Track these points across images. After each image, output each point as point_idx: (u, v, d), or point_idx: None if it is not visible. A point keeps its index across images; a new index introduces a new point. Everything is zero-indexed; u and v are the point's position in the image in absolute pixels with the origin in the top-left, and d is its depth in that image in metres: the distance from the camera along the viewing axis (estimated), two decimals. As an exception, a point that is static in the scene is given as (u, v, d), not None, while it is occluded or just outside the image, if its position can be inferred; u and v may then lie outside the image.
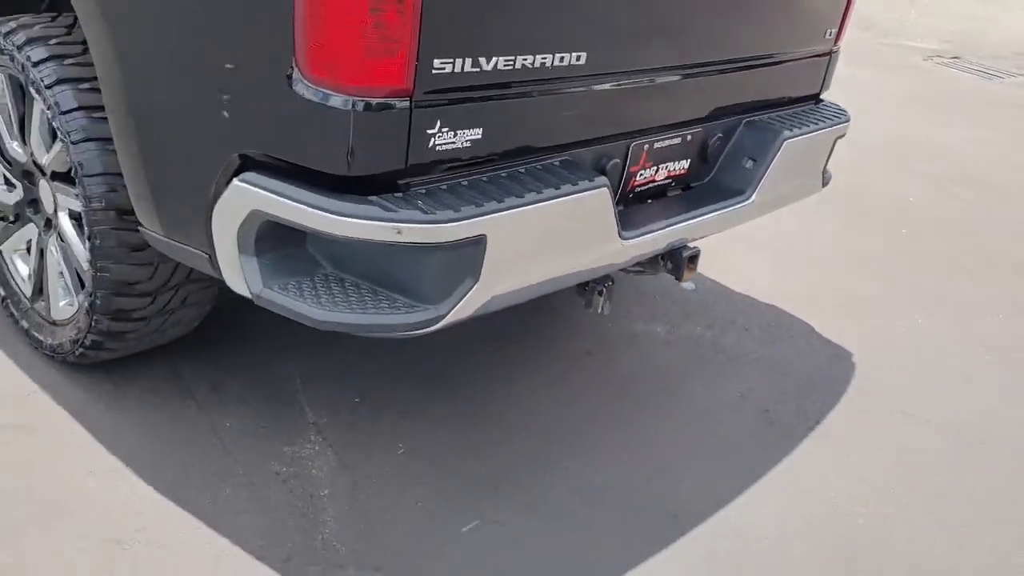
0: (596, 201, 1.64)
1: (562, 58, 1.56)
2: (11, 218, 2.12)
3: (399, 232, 1.38)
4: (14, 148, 1.98)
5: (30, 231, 2.07)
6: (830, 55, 2.35)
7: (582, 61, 1.59)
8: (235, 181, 1.44)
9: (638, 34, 1.70)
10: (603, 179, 1.65)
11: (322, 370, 2.17)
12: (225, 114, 1.44)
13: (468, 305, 1.51)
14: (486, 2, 1.41)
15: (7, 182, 2.08)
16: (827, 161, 2.39)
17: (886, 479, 2.09)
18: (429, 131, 1.42)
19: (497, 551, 1.72)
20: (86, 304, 1.86)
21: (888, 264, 3.28)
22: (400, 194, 1.42)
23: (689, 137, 1.99)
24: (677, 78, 1.84)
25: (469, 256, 1.46)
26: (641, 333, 2.59)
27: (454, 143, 1.46)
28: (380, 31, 1.30)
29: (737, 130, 2.10)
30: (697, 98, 1.95)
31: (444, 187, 1.47)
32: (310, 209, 1.38)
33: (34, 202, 2.03)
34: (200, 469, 1.81)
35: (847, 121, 2.36)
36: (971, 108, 5.88)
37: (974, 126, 5.38)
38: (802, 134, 2.15)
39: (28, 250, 2.11)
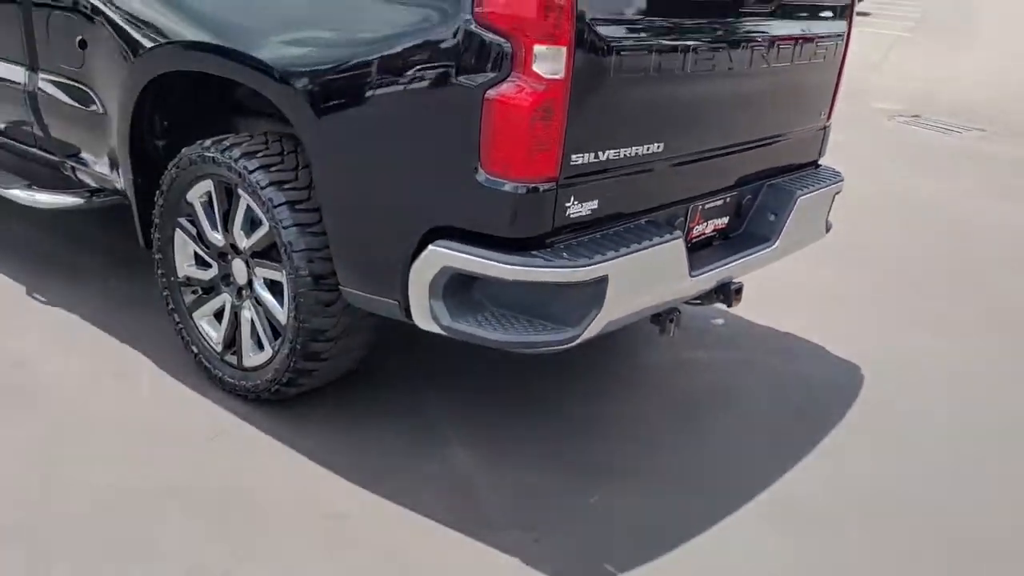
0: (675, 249, 2.26)
1: (647, 148, 2.20)
2: (201, 291, 2.70)
3: (551, 275, 1.99)
4: (214, 236, 2.57)
5: (220, 300, 2.65)
6: (824, 129, 3.02)
7: (660, 149, 2.24)
8: (430, 246, 2.05)
9: (696, 128, 2.36)
10: (678, 232, 2.28)
11: (429, 383, 2.75)
12: (423, 199, 2.06)
13: (595, 327, 2.11)
14: (601, 119, 2.05)
15: (202, 263, 2.66)
16: (828, 213, 3.04)
17: (887, 453, 2.68)
18: (566, 204, 2.04)
19: (616, 514, 2.28)
20: (285, 350, 2.43)
21: (879, 294, 3.92)
22: (548, 249, 2.03)
23: (728, 199, 2.63)
24: (721, 156, 2.50)
25: (596, 291, 2.07)
26: (688, 359, 3.19)
27: (581, 211, 2.08)
28: (538, 141, 1.93)
29: (761, 191, 2.75)
30: (734, 169, 2.60)
31: (576, 242, 2.08)
32: (488, 262, 1.99)
33: (226, 277, 2.62)
34: (368, 467, 2.36)
35: (842, 180, 3.02)
36: (933, 161, 6.64)
37: (938, 176, 6.12)
38: (810, 192, 2.80)
39: (215, 316, 2.68)
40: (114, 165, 2.88)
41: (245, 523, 2.15)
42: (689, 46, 2.21)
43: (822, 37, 2.77)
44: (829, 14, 2.81)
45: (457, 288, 2.08)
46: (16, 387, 2.62)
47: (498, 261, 1.99)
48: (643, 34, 2.10)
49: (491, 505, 2.29)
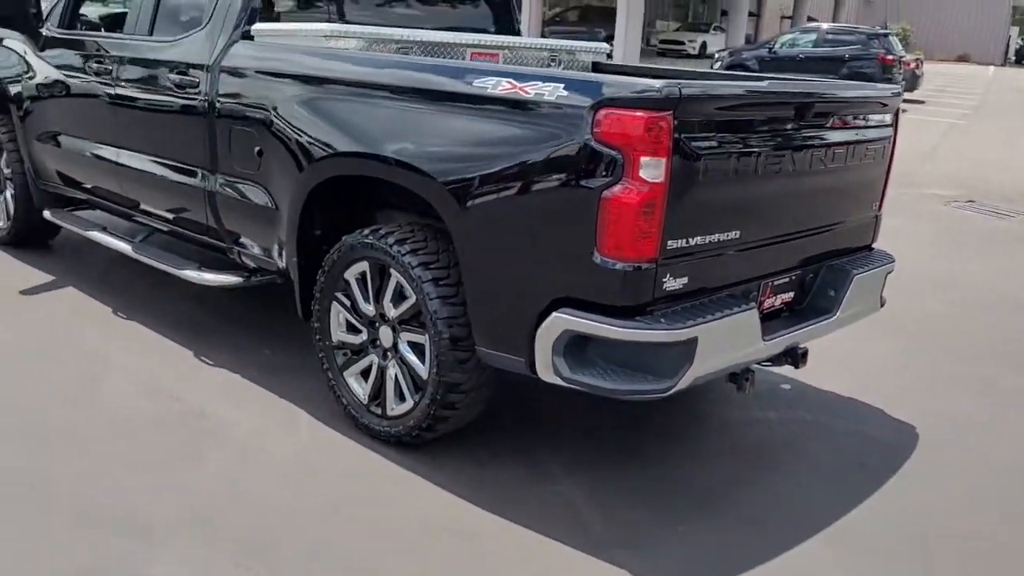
0: (750, 317, 2.75)
1: (727, 235, 2.72)
2: (351, 353, 3.26)
3: (652, 336, 2.50)
4: (366, 307, 3.15)
5: (368, 360, 3.20)
6: (876, 217, 3.51)
7: (737, 236, 2.76)
8: (554, 313, 2.58)
9: (766, 219, 2.88)
10: (753, 304, 2.77)
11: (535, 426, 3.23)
12: (548, 275, 2.60)
13: (686, 380, 2.59)
14: (691, 212, 2.58)
15: (353, 329, 3.23)
16: (882, 290, 3.50)
17: (944, 496, 3.06)
18: (663, 280, 2.56)
19: (702, 540, 2.72)
20: (426, 401, 2.96)
21: (932, 363, 4.30)
22: (649, 315, 2.55)
23: (793, 277, 3.12)
24: (787, 241, 3.00)
25: (687, 350, 2.57)
26: (759, 417, 3.63)
27: (674, 285, 2.60)
28: (643, 230, 2.47)
29: (822, 271, 3.23)
30: (798, 252, 3.10)
31: (671, 310, 2.59)
32: (602, 325, 2.51)
33: (374, 341, 3.18)
34: (495, 488, 2.84)
35: (893, 261, 3.49)
36: (987, 244, 7.01)
37: (991, 258, 6.49)
38: (866, 272, 3.27)
39: (362, 373, 3.24)
40: (277, 250, 3.51)
41: (395, 538, 2.65)
42: (760, 153, 2.75)
43: (871, 141, 3.29)
44: (877, 122, 3.34)
45: (575, 347, 2.60)
46: (204, 431, 3.20)
47: (610, 324, 2.51)
48: (724, 145, 2.64)
49: (597, 528, 2.75)
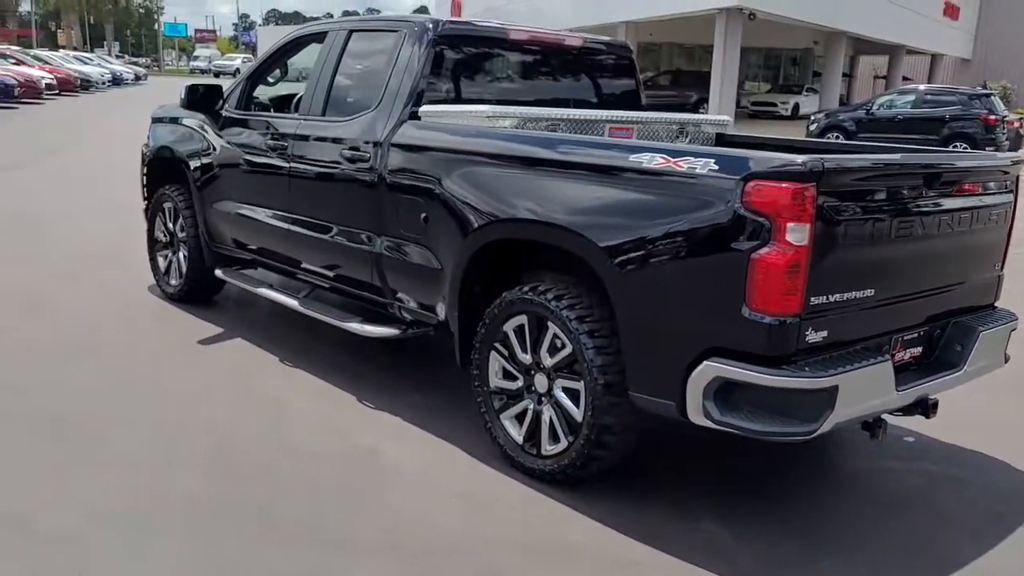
0: (885, 369, 3.00)
1: (862, 292, 2.99)
2: (507, 398, 3.62)
3: (798, 383, 2.77)
4: (523, 356, 3.51)
5: (523, 404, 3.55)
6: (998, 278, 3.71)
7: (872, 293, 3.02)
8: (706, 361, 2.88)
9: (897, 278, 3.14)
10: (888, 357, 3.02)
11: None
12: (700, 327, 2.91)
13: (827, 424, 2.85)
14: (831, 272, 2.87)
15: (510, 376, 3.59)
16: (1006, 346, 3.67)
17: (1086, 549, 3.17)
18: (806, 333, 2.84)
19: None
20: (580, 442, 3.28)
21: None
22: (794, 365, 2.82)
23: (922, 332, 3.35)
24: (916, 299, 3.24)
25: (829, 397, 2.83)
26: (886, 467, 3.81)
27: (815, 338, 2.87)
28: (788, 288, 2.76)
29: (949, 327, 3.44)
30: (926, 309, 3.33)
31: (813, 360, 2.86)
32: (752, 373, 2.80)
33: (529, 386, 3.53)
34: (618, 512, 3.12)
35: (1016, 320, 3.67)
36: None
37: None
38: (990, 329, 3.47)
39: (517, 416, 3.58)
40: (438, 305, 3.92)
41: (562, 564, 2.95)
42: (893, 218, 3.02)
43: (993, 206, 3.51)
44: (998, 188, 3.56)
45: (724, 392, 2.89)
46: (378, 465, 3.60)
47: (758, 372, 2.80)
48: (860, 211, 2.93)
49: (746, 563, 2.99)
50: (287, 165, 4.65)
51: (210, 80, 6.29)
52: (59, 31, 73.72)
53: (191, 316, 5.49)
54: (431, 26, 4.15)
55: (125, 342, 4.98)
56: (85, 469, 3.45)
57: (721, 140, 4.69)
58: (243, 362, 4.76)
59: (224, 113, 5.24)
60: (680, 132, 4.52)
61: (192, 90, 5.17)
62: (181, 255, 5.72)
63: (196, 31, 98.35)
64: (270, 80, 5.36)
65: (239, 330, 5.24)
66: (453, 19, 4.22)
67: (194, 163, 5.43)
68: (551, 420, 3.44)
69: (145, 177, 6.04)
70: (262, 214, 4.93)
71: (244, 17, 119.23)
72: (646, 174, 3.05)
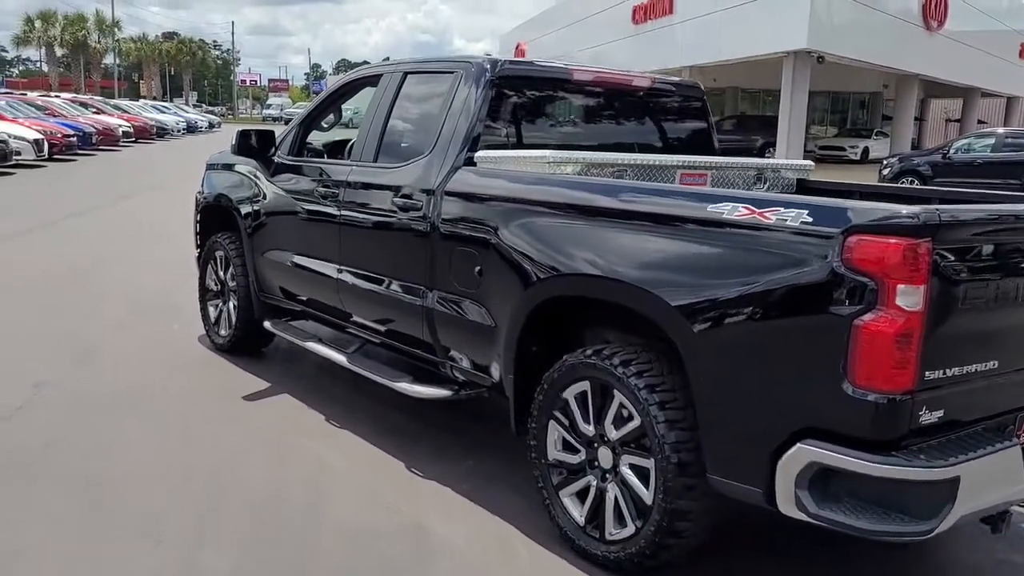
0: (1014, 455, 2.55)
1: (985, 365, 2.56)
2: (568, 473, 3.25)
3: (912, 474, 2.34)
4: (585, 427, 3.15)
5: (585, 481, 3.18)
6: None
7: (996, 366, 2.59)
8: (799, 444, 2.48)
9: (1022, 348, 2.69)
10: (1016, 440, 2.57)
11: None
12: (791, 403, 2.52)
13: (948, 522, 2.41)
14: (949, 341, 2.46)
15: (570, 448, 3.23)
16: None
17: None
18: (919, 413, 2.42)
19: None
20: (650, 528, 2.89)
21: None
22: (904, 450, 2.40)
23: (1051, 409, 2.87)
24: (1046, 372, 2.79)
25: (949, 490, 2.39)
26: (1006, 560, 3.30)
27: (930, 419, 2.45)
28: (898, 361, 2.36)
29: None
30: (1056, 383, 2.86)
31: (927, 445, 2.44)
32: (854, 460, 2.38)
33: (592, 461, 3.16)
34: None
35: None
36: None
37: None
38: None
39: (578, 494, 3.21)
40: (493, 365, 3.60)
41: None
42: (1018, 277, 2.60)
43: None
44: None
45: (820, 480, 2.48)
46: (425, 545, 3.25)
47: (863, 459, 2.38)
48: (982, 270, 2.52)
49: None
50: (338, 213, 4.42)
51: (270, 126, 6.16)
52: (141, 82, 76.97)
53: (238, 369, 5.27)
54: (489, 66, 3.89)
55: (169, 396, 4.77)
56: (111, 541, 3.18)
57: (802, 187, 4.30)
58: (288, 420, 4.49)
59: (276, 159, 5.06)
60: (758, 178, 4.15)
61: (244, 136, 5.01)
62: (231, 305, 5.53)
63: (270, 81, 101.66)
64: (324, 125, 5.17)
65: (286, 384, 4.99)
66: (513, 59, 3.96)
67: (245, 210, 5.26)
68: (616, 500, 3.06)
69: (198, 224, 5.91)
70: (311, 264, 4.70)
71: (316, 67, 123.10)
72: (727, 226, 2.69)
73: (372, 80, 4.57)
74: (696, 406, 2.78)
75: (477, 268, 3.57)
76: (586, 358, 3.11)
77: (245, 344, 5.51)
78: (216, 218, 5.67)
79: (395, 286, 4.08)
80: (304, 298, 4.92)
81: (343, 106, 5.09)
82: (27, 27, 59.80)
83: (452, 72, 4.02)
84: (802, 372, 2.52)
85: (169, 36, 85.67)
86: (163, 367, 5.26)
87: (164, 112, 40.34)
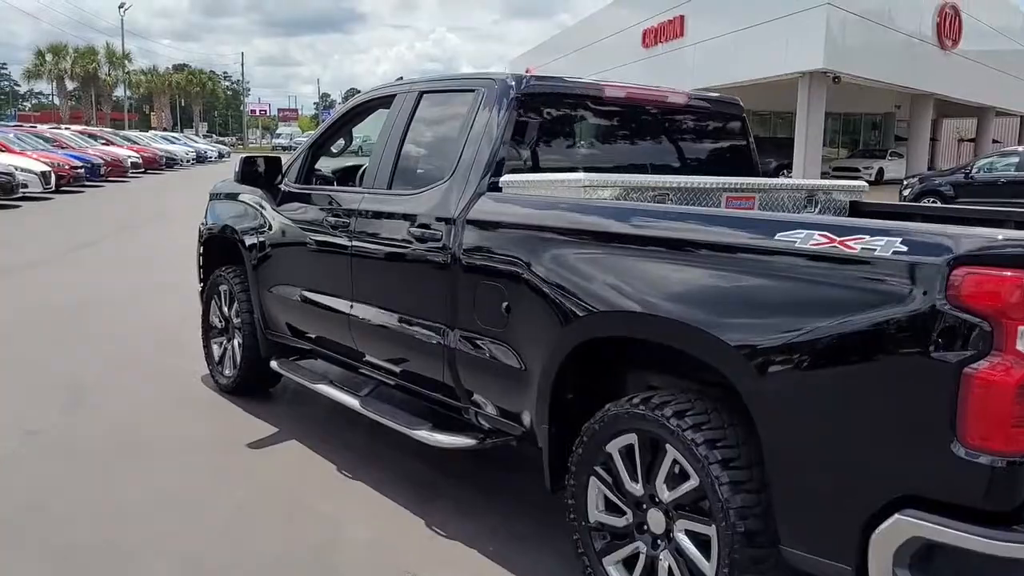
0: None
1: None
2: (612, 537, 2.86)
3: (1039, 552, 1.95)
4: (632, 486, 2.77)
5: (633, 547, 2.79)
6: None
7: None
8: (897, 514, 2.09)
9: None
10: None
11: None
12: (887, 466, 2.13)
13: (1078, 608, 2.01)
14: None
15: (615, 509, 2.84)
16: None
17: None
18: (1043, 477, 2.03)
19: None
20: (713, 604, 2.49)
21: None
22: (1026, 523, 2.01)
23: None
24: None
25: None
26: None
27: (1056, 485, 2.06)
28: (1020, 416, 1.97)
29: None
30: None
31: (1053, 518, 2.04)
32: (967, 535, 1.99)
33: (641, 525, 2.77)
34: None
35: None
36: None
37: None
38: None
39: (625, 562, 2.82)
40: (523, 413, 3.22)
41: None
42: None
43: None
44: None
45: (925, 558, 2.09)
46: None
47: (978, 535, 1.99)
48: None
49: None
50: (349, 244, 4.07)
51: (272, 153, 5.85)
52: (152, 114, 77.52)
53: (243, 412, 4.91)
54: (514, 83, 3.55)
55: (167, 446, 4.40)
56: (94, 621, 2.81)
57: (857, 210, 3.93)
58: (296, 472, 4.11)
59: (283, 187, 4.73)
60: (809, 200, 3.78)
61: (248, 163, 4.69)
62: (236, 343, 5.18)
63: (279, 111, 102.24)
64: (333, 151, 4.85)
65: (294, 429, 4.62)
66: (539, 75, 3.62)
67: (250, 242, 4.92)
68: (671, 571, 2.67)
69: (201, 257, 5.58)
70: (321, 299, 4.35)
71: (325, 96, 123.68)
72: (802, 257, 2.32)
73: (385, 101, 4.24)
74: (767, 465, 2.40)
75: (504, 304, 3.21)
76: (632, 407, 2.73)
77: (251, 385, 5.15)
78: (220, 250, 5.34)
79: (412, 324, 3.72)
80: (313, 336, 4.57)
81: (354, 130, 4.76)
82: (38, 60, 60.29)
83: (472, 90, 3.68)
84: (899, 429, 2.13)
85: (180, 68, 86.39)
86: (163, 412, 4.90)
87: (173, 143, 40.40)
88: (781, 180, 3.72)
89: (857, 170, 30.75)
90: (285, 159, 4.84)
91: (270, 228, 4.78)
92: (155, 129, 57.80)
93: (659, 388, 2.89)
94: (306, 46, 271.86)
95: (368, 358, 4.15)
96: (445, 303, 3.51)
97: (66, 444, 4.36)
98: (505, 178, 3.41)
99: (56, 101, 68.59)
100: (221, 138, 77.45)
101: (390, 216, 3.88)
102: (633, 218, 2.83)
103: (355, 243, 4.04)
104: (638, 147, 3.99)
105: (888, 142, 36.36)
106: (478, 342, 3.37)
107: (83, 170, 22.43)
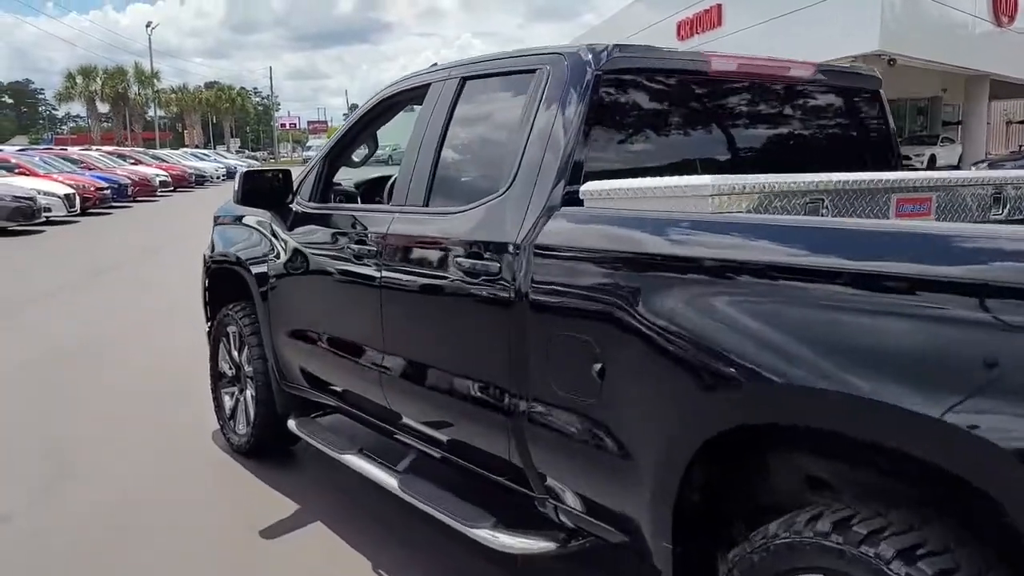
0: None
1: None
2: None
3: None
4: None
5: None
6: None
7: None
8: None
9: None
10: None
11: None
12: None
13: None
14: None
15: None
16: None
17: None
18: None
19: None
20: None
21: None
22: None
23: None
24: None
25: None
26: None
27: None
28: None
29: None
30: None
31: None
32: None
33: None
34: None
35: None
36: None
37: None
38: None
39: None
40: (625, 513, 2.28)
41: None
42: None
43: None
44: None
45: None
46: None
47: None
48: None
49: None
50: (377, 276, 3.16)
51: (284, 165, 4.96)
52: (185, 132, 77.90)
53: (258, 482, 4.03)
54: (590, 58, 2.60)
55: (165, 531, 3.53)
56: None
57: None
58: (320, 569, 3.21)
59: (295, 207, 3.84)
60: (995, 199, 2.78)
61: (249, 179, 3.80)
62: (249, 394, 4.30)
63: (309, 123, 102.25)
64: (355, 159, 3.95)
65: (320, 507, 3.72)
66: (624, 44, 2.67)
67: (258, 274, 4.04)
68: None
69: (207, 292, 4.72)
70: (344, 346, 3.46)
71: (353, 107, 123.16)
72: None
73: (417, 93, 3.32)
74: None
75: (596, 365, 2.26)
76: (818, 535, 1.76)
77: (268, 445, 4.27)
78: (228, 284, 4.46)
79: (463, 383, 2.80)
80: (338, 389, 3.68)
81: (379, 132, 3.85)
82: (68, 83, 60.66)
83: (534, 71, 2.75)
84: None
85: (210, 86, 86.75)
86: (163, 486, 4.04)
87: (203, 159, 40.22)
88: (961, 173, 2.74)
89: (908, 158, 29.24)
90: (297, 173, 3.95)
91: (281, 258, 3.89)
92: (187, 147, 57.84)
93: (831, 486, 1.94)
94: (334, 58, 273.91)
95: (406, 420, 3.24)
96: (506, 358, 2.58)
97: (39, 537, 3.50)
98: (587, 187, 2.46)
99: (90, 123, 69.07)
100: (253, 153, 77.45)
101: (428, 243, 2.96)
102: (814, 242, 1.85)
103: (384, 274, 3.13)
104: (755, 137, 3.01)
105: (936, 127, 34.73)
106: (557, 413, 2.43)
107: (109, 191, 21.91)
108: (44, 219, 17.10)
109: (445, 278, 2.83)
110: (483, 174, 2.91)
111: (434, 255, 2.92)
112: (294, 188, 3.87)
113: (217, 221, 4.67)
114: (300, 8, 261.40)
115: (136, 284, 10.42)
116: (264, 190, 3.80)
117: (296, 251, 3.76)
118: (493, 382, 2.67)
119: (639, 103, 2.70)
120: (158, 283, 10.34)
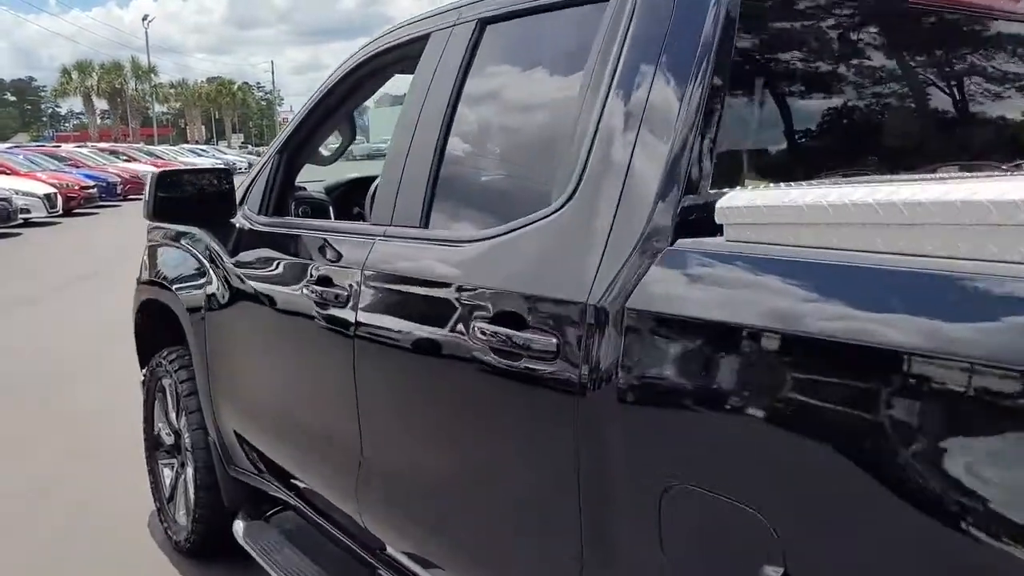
0: None
1: None
2: None
3: None
4: None
5: None
6: None
7: None
8: None
9: None
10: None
11: None
12: None
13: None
14: None
15: None
16: None
17: None
18: None
19: None
20: None
21: None
22: None
23: None
24: None
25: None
26: None
27: None
28: None
29: None
30: None
31: None
32: None
33: None
34: None
35: None
36: None
37: None
38: None
39: None
40: None
41: None
42: None
43: None
44: None
45: None
46: None
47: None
48: None
49: None
50: (350, 331, 2.01)
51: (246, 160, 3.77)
52: (187, 128, 76.95)
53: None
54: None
55: None
56: None
57: None
58: None
59: (240, 224, 2.69)
60: None
61: (165, 183, 2.64)
62: (189, 474, 3.17)
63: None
64: (324, 153, 2.78)
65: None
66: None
67: (192, 314, 2.90)
68: None
69: (139, 328, 3.59)
70: (303, 427, 2.32)
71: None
72: None
73: (410, 50, 2.16)
74: None
75: (768, 549, 1.11)
76: None
77: (214, 543, 3.13)
78: (163, 322, 3.31)
79: (489, 507, 1.67)
80: (302, 484, 2.53)
81: (356, 113, 2.68)
82: (64, 79, 59.59)
83: (607, -2, 1.58)
84: None
85: (212, 81, 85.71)
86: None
87: (200, 155, 39.32)
88: None
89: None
90: (242, 178, 2.79)
91: (223, 293, 2.74)
92: (188, 142, 56.90)
93: None
94: (337, 52, 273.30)
95: (391, 553, 2.09)
96: (570, 488, 1.43)
97: None
98: (729, 200, 1.29)
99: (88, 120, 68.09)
100: (257, 148, 76.55)
101: (429, 286, 1.81)
102: None
103: (359, 331, 1.98)
104: (969, 104, 1.83)
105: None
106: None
107: (96, 189, 20.82)
108: (22, 221, 15.99)
109: (457, 352, 1.69)
110: (519, 176, 1.76)
111: (436, 308, 1.77)
112: (239, 197, 2.71)
113: (151, 241, 3.51)
114: (303, 3, 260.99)
115: (109, 294, 9.25)
116: (190, 200, 2.63)
117: (239, 286, 2.60)
118: (549, 514, 1.53)
119: (810, 44, 1.53)
120: (127, 297, 9.18)
